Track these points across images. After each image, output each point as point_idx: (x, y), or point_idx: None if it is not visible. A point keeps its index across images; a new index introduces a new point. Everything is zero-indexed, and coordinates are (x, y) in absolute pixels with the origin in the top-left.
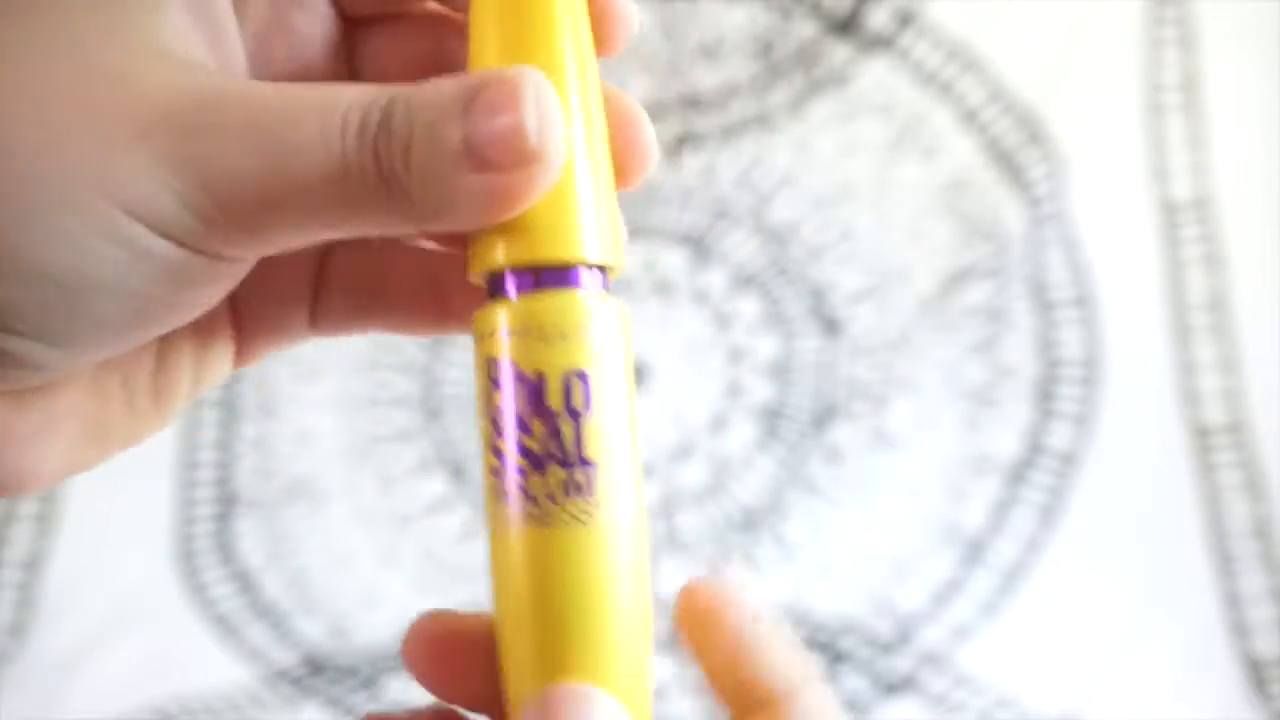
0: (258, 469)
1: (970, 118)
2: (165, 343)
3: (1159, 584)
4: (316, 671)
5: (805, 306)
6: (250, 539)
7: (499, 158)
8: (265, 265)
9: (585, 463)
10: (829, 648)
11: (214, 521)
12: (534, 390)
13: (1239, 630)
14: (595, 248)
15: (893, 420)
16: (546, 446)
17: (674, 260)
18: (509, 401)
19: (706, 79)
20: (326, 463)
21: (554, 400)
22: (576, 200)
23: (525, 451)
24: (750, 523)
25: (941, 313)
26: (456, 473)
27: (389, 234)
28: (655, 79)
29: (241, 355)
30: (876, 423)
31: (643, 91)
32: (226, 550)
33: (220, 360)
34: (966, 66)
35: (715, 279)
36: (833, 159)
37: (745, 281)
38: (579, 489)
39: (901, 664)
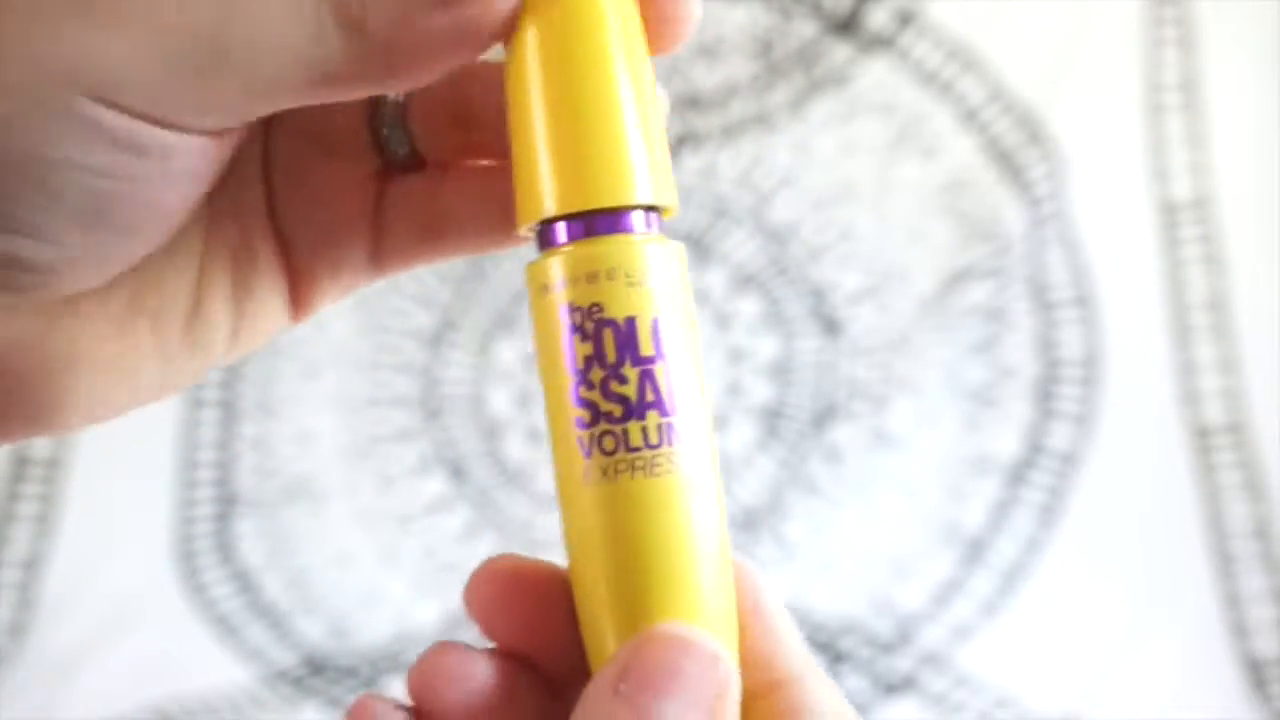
0: (258, 469)
1: (970, 118)
2: (200, 286)
3: (1159, 584)
4: (316, 671)
5: (805, 306)
6: (250, 539)
7: None
8: (316, 204)
9: (679, 408)
10: (829, 648)
11: (214, 521)
12: (626, 335)
13: (1239, 630)
14: (669, 189)
15: (893, 420)
16: (644, 393)
17: None
18: (599, 348)
19: (706, 79)
20: (326, 463)
21: (647, 345)
22: (652, 143)
23: (621, 399)
24: (750, 523)
25: (941, 313)
26: (456, 472)
27: (355, 95)
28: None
29: (300, 304)
30: (876, 423)
31: None
32: (226, 550)
33: (271, 309)
34: (966, 66)
35: (715, 279)
36: (833, 159)
37: (745, 281)
38: (678, 434)
39: (901, 664)
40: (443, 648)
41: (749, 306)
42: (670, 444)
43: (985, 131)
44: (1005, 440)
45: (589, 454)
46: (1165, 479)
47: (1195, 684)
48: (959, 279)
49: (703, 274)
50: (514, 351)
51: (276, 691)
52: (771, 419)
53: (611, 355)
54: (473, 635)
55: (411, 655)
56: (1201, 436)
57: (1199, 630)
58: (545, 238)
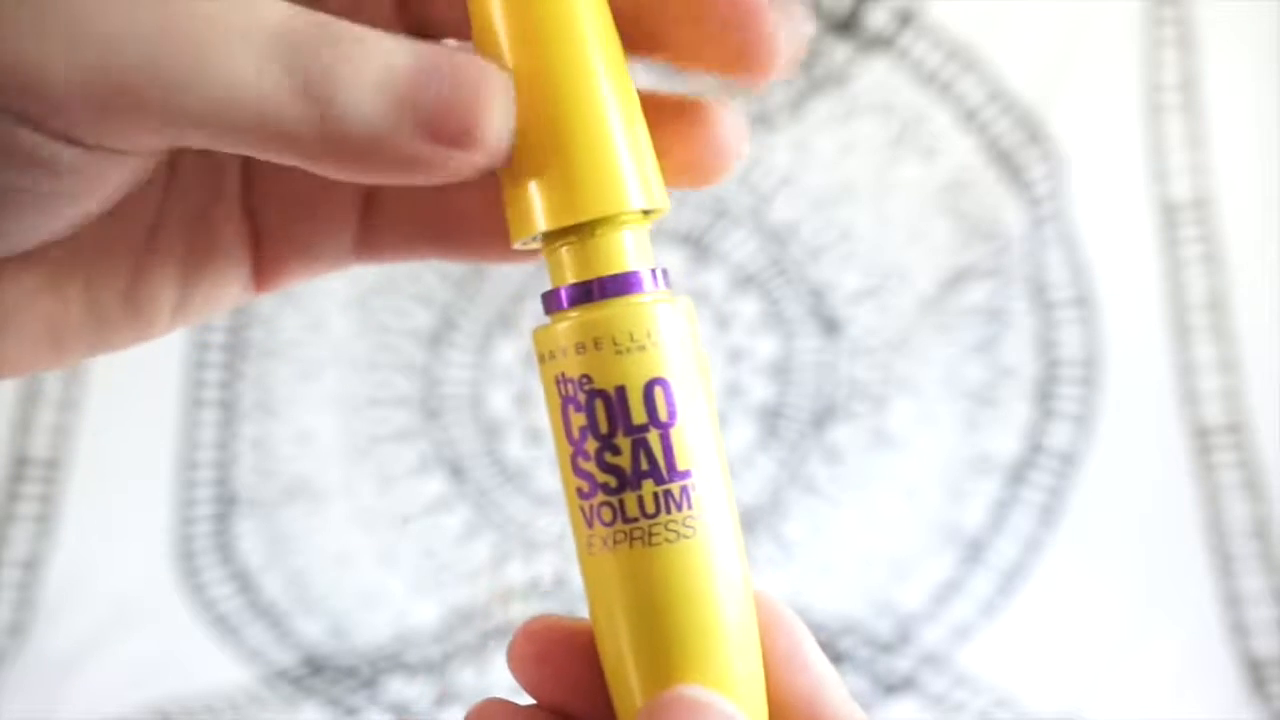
0: (257, 469)
1: (970, 118)
2: (146, 253)
3: (1159, 584)
4: (316, 671)
5: (805, 306)
6: (250, 539)
7: (444, 135)
8: (296, 185)
9: (679, 474)
10: (829, 648)
11: (213, 521)
12: (617, 405)
13: (1239, 630)
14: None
15: (893, 420)
16: (638, 462)
17: (673, 260)
18: (591, 420)
19: (706, 78)
20: (326, 463)
21: (639, 414)
22: (641, 154)
23: (615, 470)
24: (750, 523)
25: (941, 313)
26: (456, 472)
27: (287, 162)
28: (655, 79)
29: (265, 279)
30: (876, 423)
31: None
32: (226, 550)
33: (228, 282)
34: (966, 66)
35: (715, 279)
36: (832, 159)
37: (745, 281)
38: (677, 503)
39: (901, 664)
40: (488, 704)
41: (748, 306)
42: (669, 511)
43: (985, 131)
44: (1005, 440)
45: (591, 524)
46: (1165, 479)
47: (1195, 684)
48: (959, 279)
49: (702, 274)
50: (514, 351)
51: (276, 691)
52: (771, 419)
53: (604, 426)
54: (472, 633)
55: (411, 655)
56: (1201, 436)
57: (1199, 630)
58: (547, 303)
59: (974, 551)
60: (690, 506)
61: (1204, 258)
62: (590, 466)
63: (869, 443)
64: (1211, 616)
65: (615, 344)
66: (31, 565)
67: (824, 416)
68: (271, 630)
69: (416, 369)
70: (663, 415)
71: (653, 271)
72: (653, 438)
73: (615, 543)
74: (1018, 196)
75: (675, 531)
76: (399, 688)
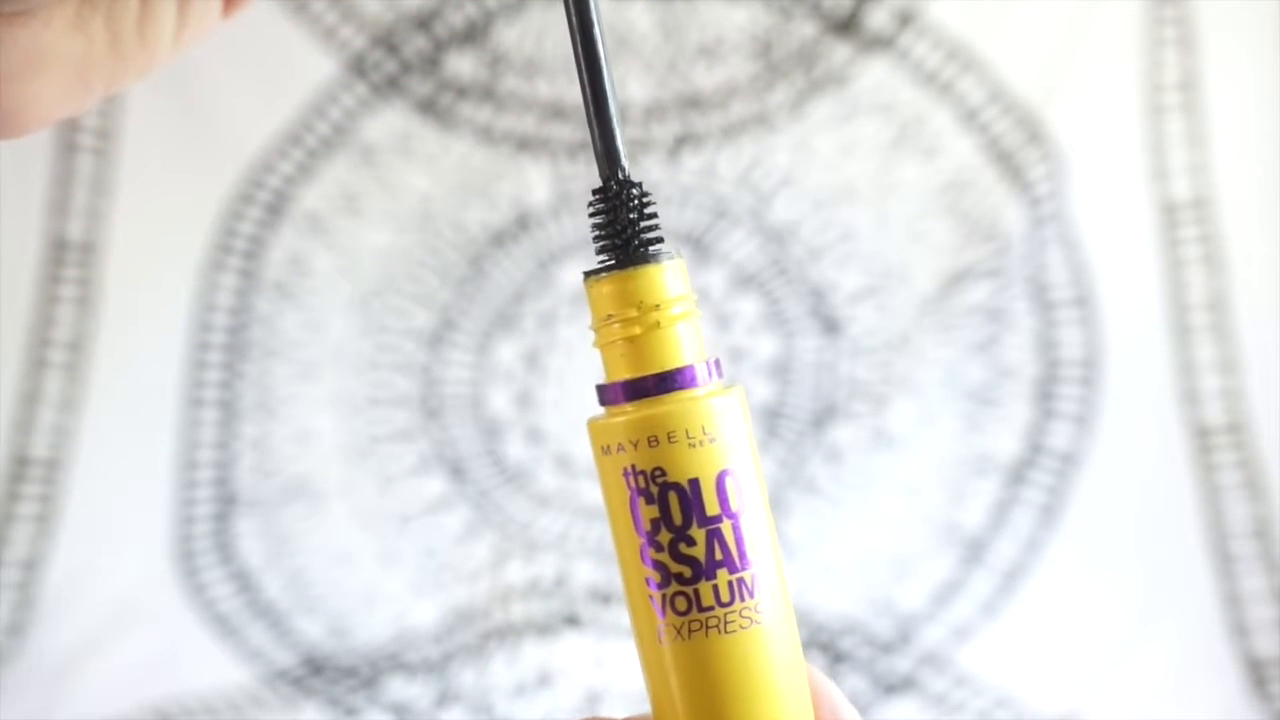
0: (257, 469)
1: (970, 118)
2: None
3: (1159, 584)
4: (316, 671)
5: (805, 306)
6: (249, 539)
7: None
8: None
9: (749, 562)
10: (829, 648)
11: (213, 521)
12: (693, 498)
13: (1239, 630)
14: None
15: (893, 420)
16: (712, 552)
17: None
18: (664, 512)
19: (706, 79)
20: (326, 462)
21: (712, 505)
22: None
23: (690, 560)
24: None
25: (941, 313)
26: (456, 472)
27: None
28: (655, 79)
29: (231, 1)
30: (876, 423)
31: (643, 91)
32: (226, 550)
33: (209, 7)
34: (966, 66)
35: (715, 279)
36: (833, 159)
37: (745, 281)
38: (749, 589)
39: (901, 664)
40: None
41: (749, 306)
42: (742, 599)
43: (985, 131)
44: (1005, 440)
45: (663, 614)
46: (1165, 479)
47: (1195, 684)
48: (959, 279)
49: (702, 274)
50: (514, 351)
51: (276, 691)
52: (771, 419)
53: (678, 518)
54: (472, 633)
55: (411, 655)
56: (1201, 436)
57: (1199, 630)
58: (606, 396)
59: (974, 551)
60: (760, 593)
61: (1204, 258)
62: (663, 557)
63: (869, 443)
64: (1211, 617)
65: (690, 437)
66: (31, 565)
67: (824, 416)
68: (271, 630)
69: (416, 369)
70: (734, 505)
71: (707, 364)
72: (725, 528)
73: (691, 632)
74: (1018, 196)
75: (748, 618)
76: (399, 688)
